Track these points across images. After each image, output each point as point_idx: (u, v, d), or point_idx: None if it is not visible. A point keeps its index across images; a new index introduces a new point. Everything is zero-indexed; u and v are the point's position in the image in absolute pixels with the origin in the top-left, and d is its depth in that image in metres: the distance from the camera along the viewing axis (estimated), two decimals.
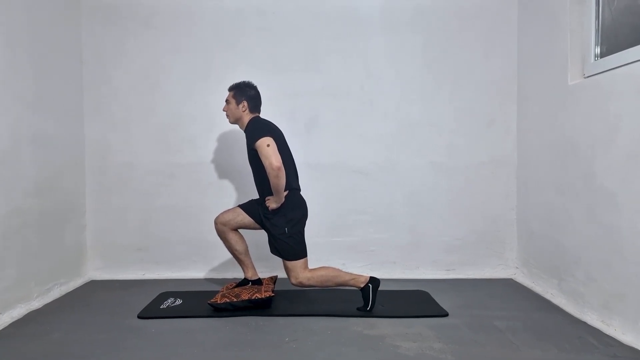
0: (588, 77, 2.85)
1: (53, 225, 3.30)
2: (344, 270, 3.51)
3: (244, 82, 3.03)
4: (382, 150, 3.76)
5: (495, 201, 3.76)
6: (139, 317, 2.84)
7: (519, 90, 3.69)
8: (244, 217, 3.04)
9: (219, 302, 2.87)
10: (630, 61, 2.43)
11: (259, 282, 3.17)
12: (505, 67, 3.72)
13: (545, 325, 2.67)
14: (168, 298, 3.15)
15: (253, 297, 2.87)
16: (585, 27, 2.92)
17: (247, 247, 3.15)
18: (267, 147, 2.71)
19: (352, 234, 3.80)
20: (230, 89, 3.02)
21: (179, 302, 3.08)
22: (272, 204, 2.83)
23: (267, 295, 2.88)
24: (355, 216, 3.78)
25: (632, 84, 2.40)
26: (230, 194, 3.78)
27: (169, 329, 2.65)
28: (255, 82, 3.71)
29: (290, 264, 2.87)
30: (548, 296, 3.19)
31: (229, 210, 3.12)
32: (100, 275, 3.78)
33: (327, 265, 3.03)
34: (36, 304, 3.05)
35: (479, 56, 3.72)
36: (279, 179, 2.70)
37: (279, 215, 2.87)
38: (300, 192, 2.99)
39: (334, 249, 3.76)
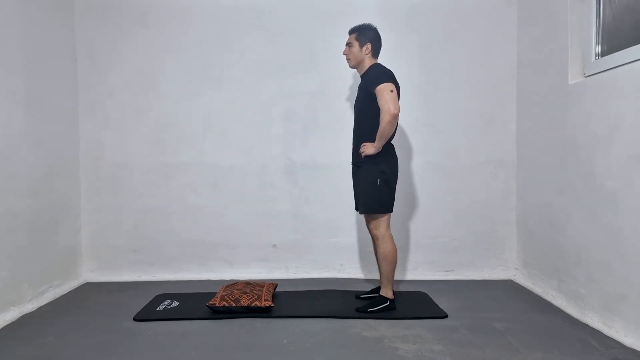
0: (588, 76, 2.82)
1: (47, 226, 3.26)
2: (342, 271, 3.73)
3: (364, 24, 2.96)
4: None
5: (494, 201, 3.73)
6: (135, 319, 2.81)
7: (519, 89, 3.66)
8: None
9: (217, 305, 2.83)
10: (631, 60, 2.41)
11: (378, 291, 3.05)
12: (504, 65, 3.69)
13: (546, 327, 2.65)
14: (164, 300, 3.12)
15: (252, 305, 2.83)
16: (586, 25, 2.89)
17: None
18: (390, 92, 2.72)
19: (349, 234, 3.77)
20: (352, 31, 2.96)
21: (175, 304, 3.05)
22: (369, 149, 2.82)
23: (267, 305, 2.84)
24: (352, 216, 3.74)
25: (633, 83, 2.38)
26: (226, 194, 3.74)
27: (166, 331, 2.62)
28: (251, 82, 3.73)
29: (375, 215, 2.89)
30: (548, 297, 3.17)
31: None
32: (95, 277, 3.74)
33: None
34: (30, 306, 3.01)
35: (477, 55, 3.69)
36: (391, 126, 2.72)
37: (372, 163, 2.86)
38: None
39: (331, 249, 3.74)
